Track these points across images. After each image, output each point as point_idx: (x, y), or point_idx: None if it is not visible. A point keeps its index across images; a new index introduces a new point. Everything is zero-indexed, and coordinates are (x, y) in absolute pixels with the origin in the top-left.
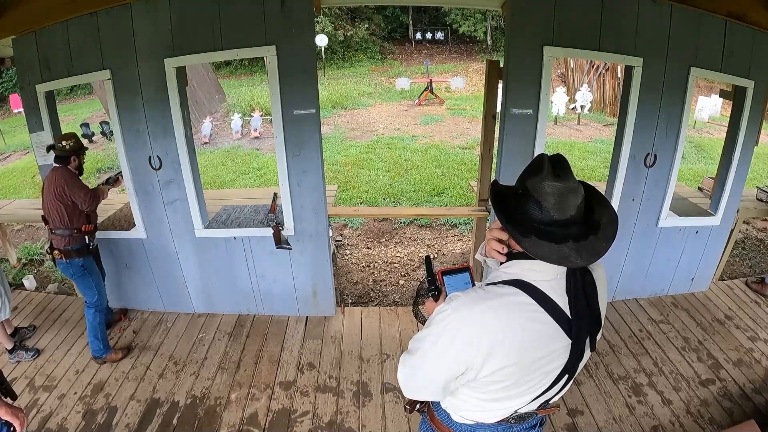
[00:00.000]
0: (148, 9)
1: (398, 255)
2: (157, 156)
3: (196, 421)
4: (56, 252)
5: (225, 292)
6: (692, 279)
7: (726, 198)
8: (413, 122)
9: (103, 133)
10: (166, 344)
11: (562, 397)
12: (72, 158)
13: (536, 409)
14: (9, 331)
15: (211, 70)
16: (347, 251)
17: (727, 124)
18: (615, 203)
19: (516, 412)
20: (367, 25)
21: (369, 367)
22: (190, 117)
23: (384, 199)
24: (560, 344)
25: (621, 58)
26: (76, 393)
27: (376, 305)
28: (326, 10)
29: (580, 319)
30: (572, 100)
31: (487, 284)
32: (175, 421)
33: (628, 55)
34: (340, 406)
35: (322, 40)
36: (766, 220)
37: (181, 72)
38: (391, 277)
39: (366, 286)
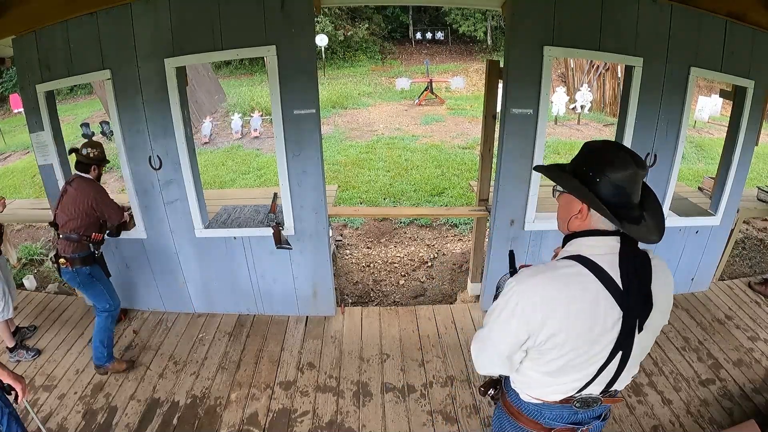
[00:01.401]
0: (148, 9)
1: (398, 255)
2: (157, 156)
3: (196, 421)
4: (62, 260)
5: (225, 292)
6: (692, 279)
7: (726, 198)
8: (413, 122)
9: (103, 133)
10: (166, 344)
11: (625, 387)
12: (93, 167)
13: (600, 395)
14: (12, 329)
15: (211, 70)
16: (347, 251)
17: (727, 124)
18: None
19: (580, 393)
20: (367, 25)
21: (369, 367)
22: (190, 117)
23: (384, 199)
24: (613, 316)
25: (621, 58)
26: (76, 393)
27: (376, 305)
28: (326, 9)
29: (631, 291)
30: (572, 100)
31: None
32: (175, 421)
33: (628, 55)
34: (340, 406)
35: (322, 40)
36: (766, 220)
37: (181, 72)
38: (391, 277)
39: (366, 286)
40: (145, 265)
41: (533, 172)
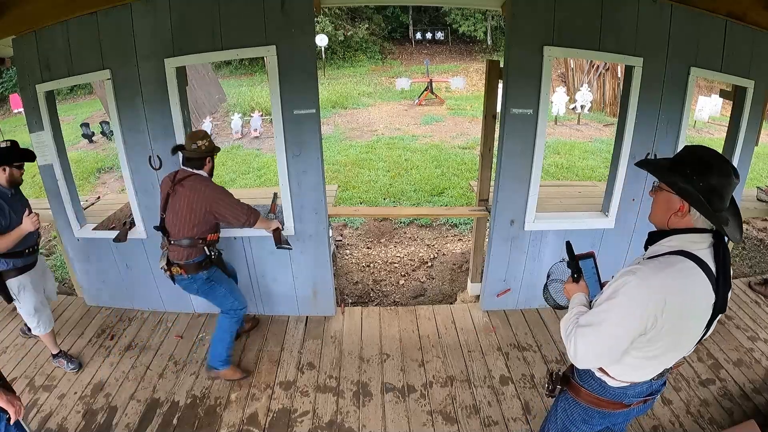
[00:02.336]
0: (148, 9)
1: (398, 255)
2: (158, 156)
3: (196, 421)
4: (176, 268)
5: None
6: None
7: None
8: (413, 122)
9: (103, 133)
10: (166, 344)
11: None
12: (207, 160)
13: (672, 365)
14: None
15: (211, 70)
16: (347, 251)
17: (727, 124)
18: (615, 203)
19: (665, 367)
20: (367, 25)
21: (369, 367)
22: (190, 117)
23: (384, 199)
24: (711, 300)
25: (621, 58)
26: (76, 393)
27: (376, 305)
28: (326, 10)
29: (725, 278)
30: (572, 100)
31: (649, 257)
32: (175, 421)
33: (628, 55)
34: (340, 406)
35: (322, 40)
36: (766, 220)
37: (181, 72)
38: (391, 277)
39: (366, 286)
40: (145, 265)
41: (533, 171)
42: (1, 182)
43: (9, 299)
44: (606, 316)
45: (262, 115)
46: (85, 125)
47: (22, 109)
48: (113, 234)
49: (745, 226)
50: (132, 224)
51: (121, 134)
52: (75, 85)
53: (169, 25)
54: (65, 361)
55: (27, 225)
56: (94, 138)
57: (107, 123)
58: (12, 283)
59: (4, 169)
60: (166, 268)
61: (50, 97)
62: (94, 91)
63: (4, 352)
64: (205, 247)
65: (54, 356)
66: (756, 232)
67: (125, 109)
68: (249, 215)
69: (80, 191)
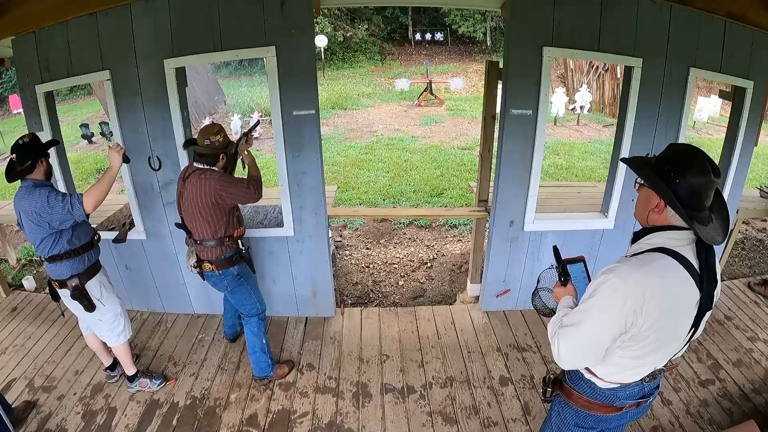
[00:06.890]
0: (148, 9)
1: (398, 256)
2: (157, 157)
3: (196, 422)
4: (207, 264)
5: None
6: None
7: (725, 198)
8: (413, 123)
9: (102, 134)
10: (165, 345)
11: (681, 355)
12: (221, 157)
13: (663, 366)
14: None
15: (211, 70)
16: (347, 252)
17: (726, 125)
18: (614, 204)
19: (654, 368)
20: (366, 26)
21: (369, 367)
22: (189, 117)
23: (383, 200)
24: (695, 298)
25: (620, 59)
26: (75, 394)
27: (375, 306)
28: (326, 10)
29: (708, 274)
30: (572, 100)
31: (632, 255)
32: (174, 422)
33: (628, 56)
34: (339, 407)
35: (321, 41)
36: (765, 220)
37: (180, 72)
38: (390, 278)
39: (365, 286)
40: (144, 266)
41: (533, 172)
42: (39, 177)
43: (91, 307)
44: (585, 316)
45: (261, 116)
46: (85, 126)
47: (21, 110)
48: (112, 235)
49: (744, 227)
50: (131, 225)
51: (120, 135)
52: (74, 86)
53: (169, 26)
54: (148, 381)
55: (115, 157)
56: (93, 139)
57: (107, 123)
58: (93, 285)
59: (42, 162)
60: (195, 265)
61: (50, 97)
62: (93, 92)
63: (4, 352)
64: (239, 242)
65: (131, 379)
66: (756, 232)
67: (125, 110)
68: (252, 190)
69: (80, 192)
